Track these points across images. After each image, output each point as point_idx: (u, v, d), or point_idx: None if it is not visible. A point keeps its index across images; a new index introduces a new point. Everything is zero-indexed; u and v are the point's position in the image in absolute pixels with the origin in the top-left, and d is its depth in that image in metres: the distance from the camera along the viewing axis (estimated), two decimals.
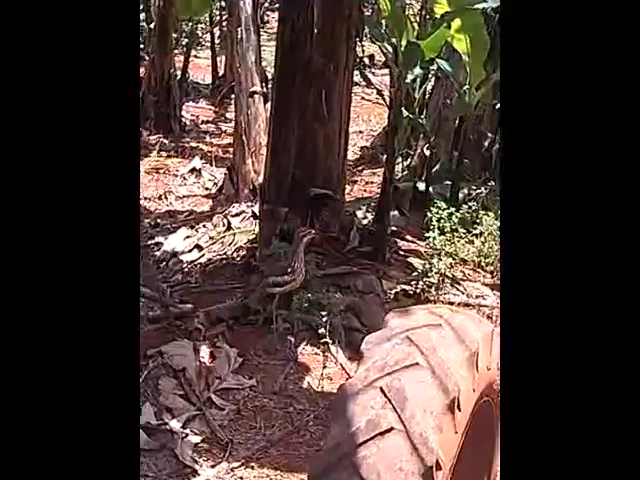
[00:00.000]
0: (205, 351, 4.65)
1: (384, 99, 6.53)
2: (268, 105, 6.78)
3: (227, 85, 11.06)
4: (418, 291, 5.36)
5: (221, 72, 11.79)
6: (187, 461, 3.83)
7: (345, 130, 5.78)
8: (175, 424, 4.05)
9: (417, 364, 2.28)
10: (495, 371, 2.50)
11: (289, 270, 4.77)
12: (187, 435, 4.00)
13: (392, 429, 2.17)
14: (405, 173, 7.48)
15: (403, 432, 2.16)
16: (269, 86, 7.77)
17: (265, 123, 7.01)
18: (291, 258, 4.81)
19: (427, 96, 7.62)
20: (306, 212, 5.51)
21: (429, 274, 5.39)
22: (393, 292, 5.38)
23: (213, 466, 3.84)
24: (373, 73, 10.74)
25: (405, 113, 5.94)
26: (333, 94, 5.57)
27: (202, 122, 10.61)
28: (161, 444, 3.90)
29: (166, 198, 7.82)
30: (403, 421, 2.17)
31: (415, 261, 5.75)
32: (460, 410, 2.22)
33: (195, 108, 11.15)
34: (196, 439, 4.00)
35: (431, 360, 2.28)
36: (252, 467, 3.84)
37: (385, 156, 6.17)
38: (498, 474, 2.73)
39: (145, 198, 7.74)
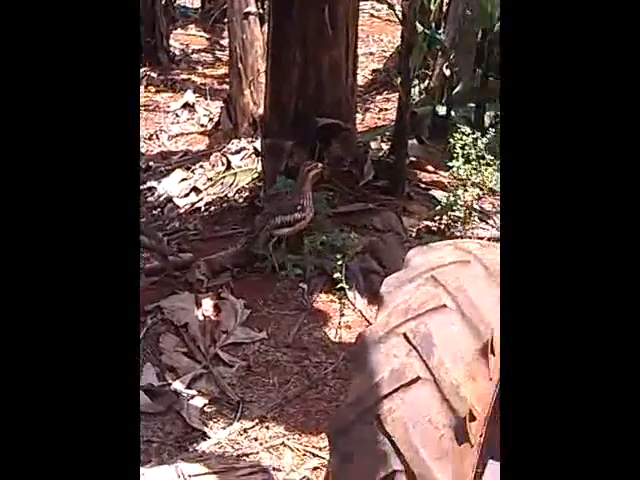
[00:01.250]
0: (208, 304, 4.66)
1: (396, 14, 6.38)
2: (265, 28, 6.66)
3: (218, 8, 10.87)
4: (443, 227, 5.33)
5: None
6: (195, 424, 3.86)
7: (353, 52, 5.68)
8: (179, 385, 4.07)
9: (444, 306, 2.24)
10: None
11: (298, 208, 4.73)
12: (194, 396, 4.02)
13: (419, 379, 2.14)
14: (423, 96, 7.34)
15: (431, 381, 2.14)
16: (265, 6, 7.61)
17: (263, 48, 6.90)
18: (298, 196, 4.77)
19: (445, 8, 7.44)
20: (313, 145, 5.45)
21: (454, 207, 5.34)
22: (415, 229, 5.35)
23: (224, 428, 3.87)
24: None
25: (420, 28, 5.81)
26: (337, 12, 5.46)
27: (193, 51, 10.46)
28: (166, 407, 3.92)
29: (157, 138, 7.76)
30: (431, 369, 2.15)
31: (438, 194, 5.70)
32: (494, 355, 2.19)
33: (184, 36, 10.98)
34: (204, 400, 4.02)
35: (460, 301, 2.24)
36: (267, 427, 3.87)
37: (399, 79, 6.05)
38: None
39: None
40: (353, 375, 2.33)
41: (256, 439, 3.80)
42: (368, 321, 4.44)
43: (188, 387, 4.08)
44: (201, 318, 4.56)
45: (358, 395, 2.24)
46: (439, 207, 5.43)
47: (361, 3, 6.07)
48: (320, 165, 4.96)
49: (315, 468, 3.59)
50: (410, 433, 2.11)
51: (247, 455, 3.71)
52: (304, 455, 3.70)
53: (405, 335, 2.22)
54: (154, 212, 6.07)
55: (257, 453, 3.71)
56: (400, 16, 6.15)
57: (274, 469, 3.59)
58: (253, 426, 3.87)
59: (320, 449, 3.64)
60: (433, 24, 6.91)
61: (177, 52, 10.20)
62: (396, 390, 2.16)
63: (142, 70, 9.36)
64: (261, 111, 6.24)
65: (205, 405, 4.00)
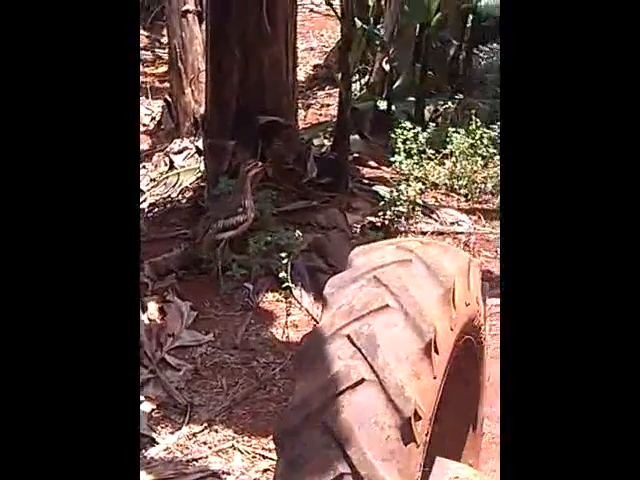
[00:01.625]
0: (154, 307, 4.61)
1: (334, 10, 6.37)
2: (204, 25, 6.60)
3: (157, 5, 10.75)
4: (387, 222, 5.34)
5: None
6: (143, 430, 3.80)
7: (293, 48, 5.65)
8: None
9: (387, 306, 2.23)
10: (475, 306, 2.48)
11: (239, 210, 4.69)
12: (141, 402, 3.96)
13: (364, 380, 2.13)
14: (364, 92, 7.36)
15: (376, 383, 2.13)
16: (203, 3, 7.54)
17: (202, 46, 6.83)
18: (239, 197, 4.74)
19: (383, 2, 7.46)
20: (256, 144, 5.41)
21: (397, 202, 5.36)
22: (359, 226, 5.35)
23: (172, 433, 3.83)
24: None
25: (359, 23, 5.81)
26: (276, 8, 5.43)
27: None
28: None
29: None
30: (375, 371, 2.14)
31: (381, 189, 5.72)
32: (438, 353, 2.19)
33: None
34: (151, 405, 3.98)
35: (402, 301, 2.24)
36: (216, 430, 3.84)
37: (340, 75, 6.05)
38: (485, 418, 2.73)
39: None
40: (298, 378, 2.31)
41: (205, 443, 3.77)
42: (315, 319, 4.43)
43: None
44: (147, 322, 4.50)
45: (303, 398, 2.22)
46: (382, 202, 5.45)
47: None
48: (260, 164, 4.92)
49: (265, 470, 3.57)
50: (356, 435, 2.10)
51: (196, 460, 3.68)
52: (254, 457, 3.68)
53: (349, 337, 2.21)
54: None
55: (206, 457, 3.69)
56: (339, 12, 6.14)
57: (224, 473, 3.56)
58: (202, 430, 3.84)
59: (270, 451, 3.62)
60: (372, 19, 6.93)
61: None
62: (342, 392, 2.15)
63: None
64: (203, 110, 6.18)
65: (153, 410, 3.96)
